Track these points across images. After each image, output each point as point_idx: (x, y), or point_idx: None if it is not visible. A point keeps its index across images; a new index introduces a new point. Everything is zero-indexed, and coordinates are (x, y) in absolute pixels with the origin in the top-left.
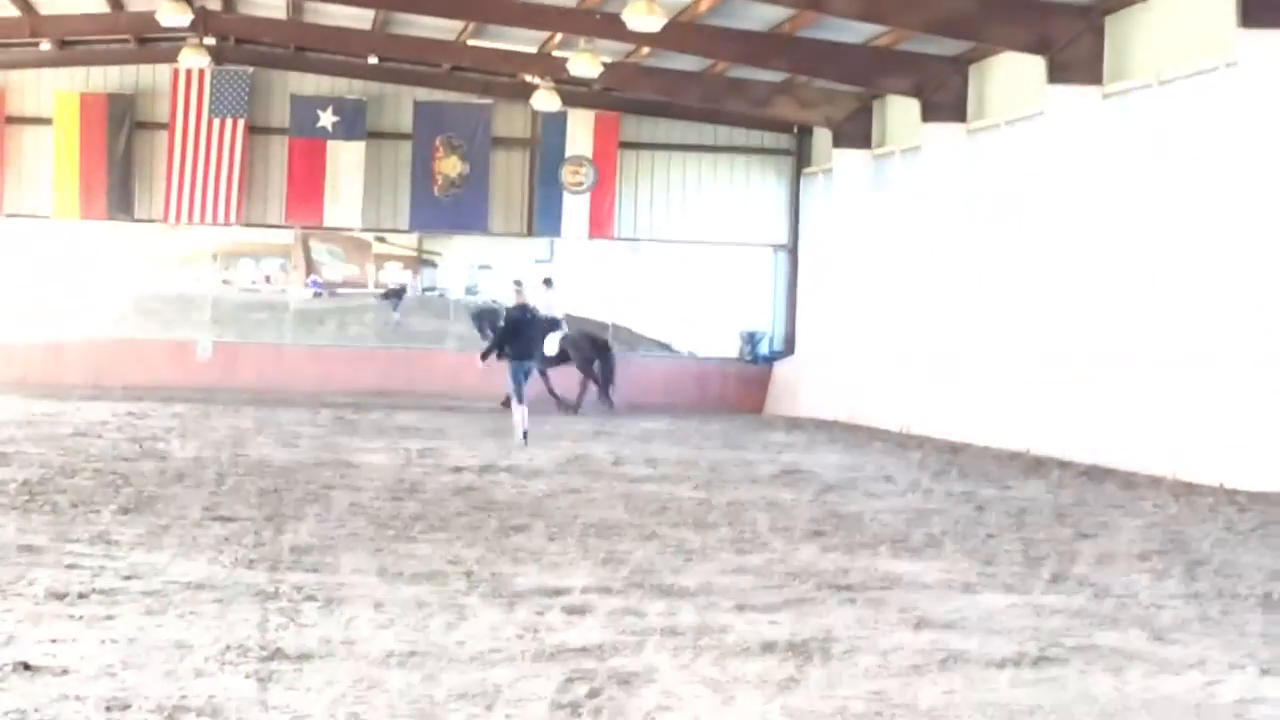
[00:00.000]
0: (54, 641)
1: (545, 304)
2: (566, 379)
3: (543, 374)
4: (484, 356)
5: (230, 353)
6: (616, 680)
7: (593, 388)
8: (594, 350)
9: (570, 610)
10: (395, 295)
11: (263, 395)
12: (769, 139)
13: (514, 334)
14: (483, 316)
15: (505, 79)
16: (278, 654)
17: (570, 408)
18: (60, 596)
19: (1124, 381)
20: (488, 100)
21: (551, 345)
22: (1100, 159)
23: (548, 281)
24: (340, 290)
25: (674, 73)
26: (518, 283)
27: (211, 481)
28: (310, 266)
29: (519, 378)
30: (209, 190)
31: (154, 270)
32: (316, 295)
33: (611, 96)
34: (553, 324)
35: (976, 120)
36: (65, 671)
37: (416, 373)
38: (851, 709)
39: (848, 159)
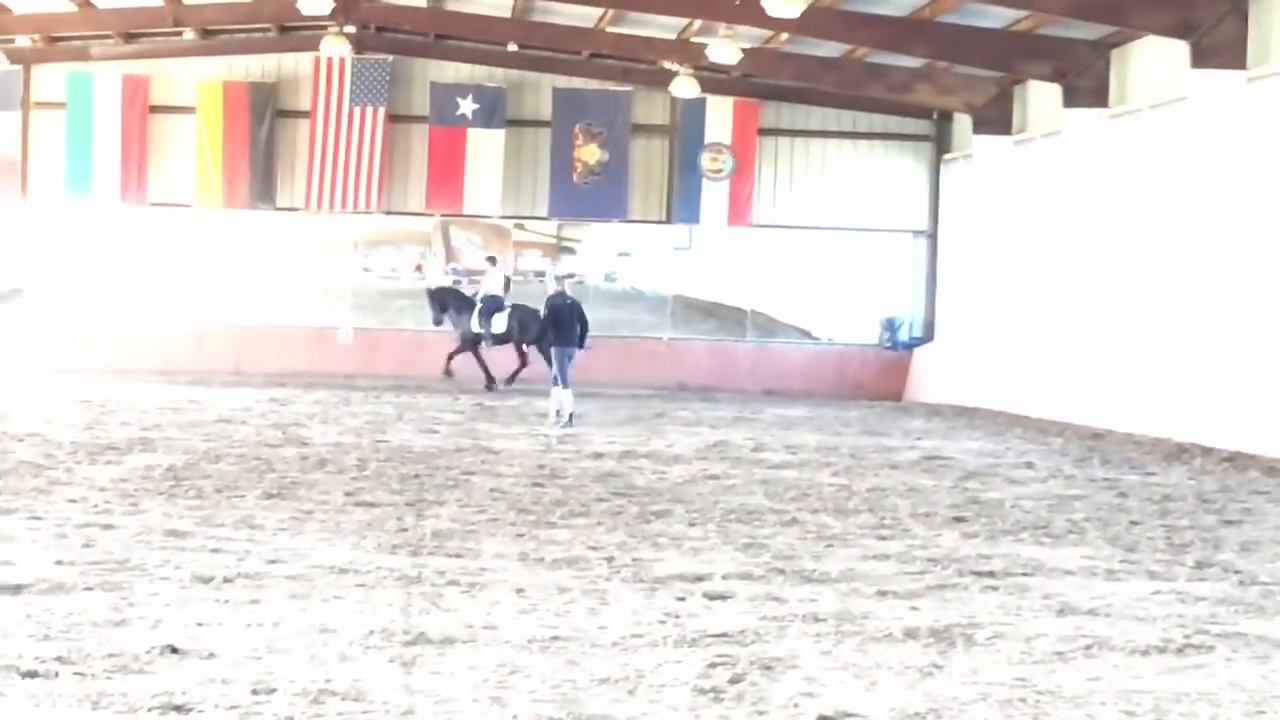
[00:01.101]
0: (200, 625)
1: (490, 284)
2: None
3: (474, 349)
4: (530, 343)
5: (371, 340)
6: (759, 666)
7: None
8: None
9: (712, 596)
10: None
11: (403, 382)
12: (908, 125)
13: (555, 322)
14: (438, 296)
15: (644, 66)
16: (421, 638)
17: (496, 383)
18: (206, 581)
19: (1269, 368)
20: (627, 87)
21: (499, 323)
22: (1244, 144)
23: (491, 260)
24: (479, 277)
25: (813, 59)
26: (559, 276)
27: (353, 467)
28: (450, 254)
29: (563, 363)
30: (350, 178)
31: (295, 258)
32: (456, 283)
33: (750, 83)
34: (497, 302)
35: (1118, 105)
36: (211, 655)
37: None
38: (995, 696)
39: (988, 144)
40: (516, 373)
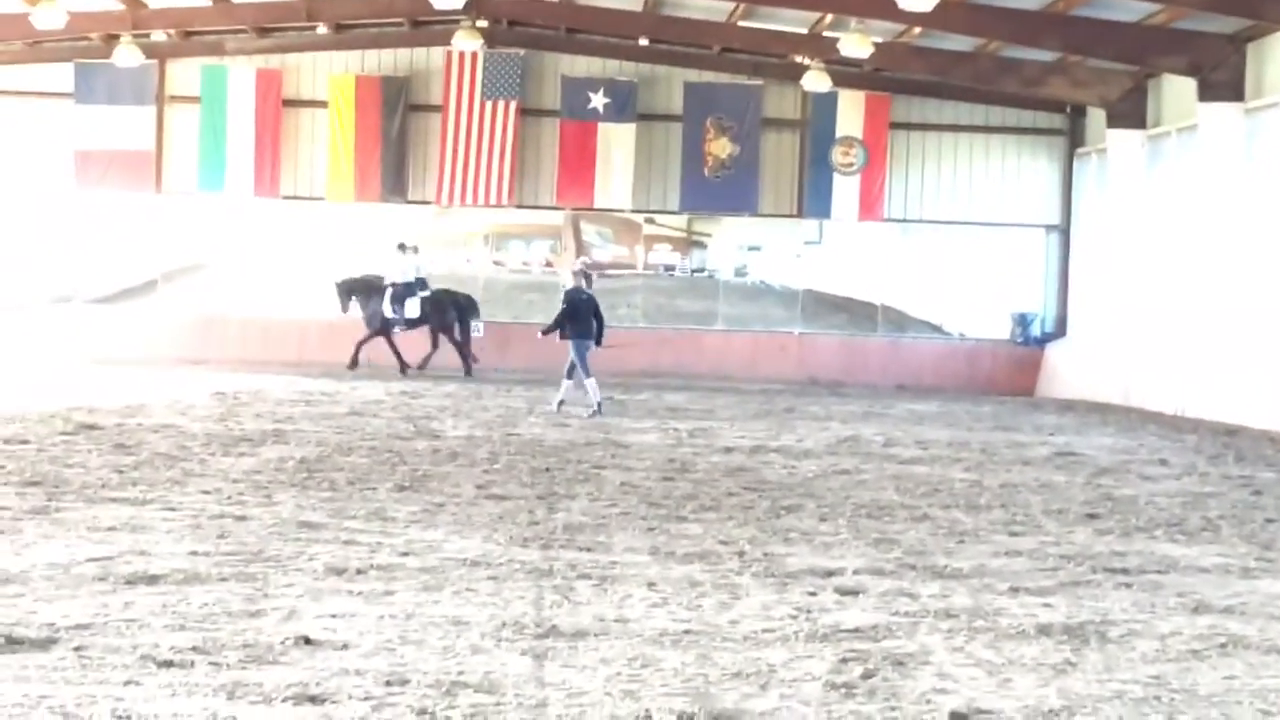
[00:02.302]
0: (334, 616)
1: (402, 269)
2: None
3: (387, 335)
4: (545, 333)
5: (501, 333)
6: (891, 662)
7: (440, 354)
8: (457, 313)
9: (843, 591)
10: (584, 278)
11: (533, 374)
12: (1041, 119)
13: (571, 314)
14: (345, 286)
15: (775, 60)
16: (553, 631)
17: (409, 369)
18: (339, 572)
19: None
20: (758, 81)
21: (413, 308)
22: None
23: (401, 247)
24: (610, 271)
25: (945, 53)
26: (576, 271)
27: (484, 460)
28: (580, 248)
29: (582, 353)
30: (481, 172)
31: (426, 252)
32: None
33: (882, 77)
34: (409, 288)
35: (1254, 99)
36: (345, 646)
37: (685, 353)
38: (1130, 694)
39: (1122, 139)
40: (428, 358)
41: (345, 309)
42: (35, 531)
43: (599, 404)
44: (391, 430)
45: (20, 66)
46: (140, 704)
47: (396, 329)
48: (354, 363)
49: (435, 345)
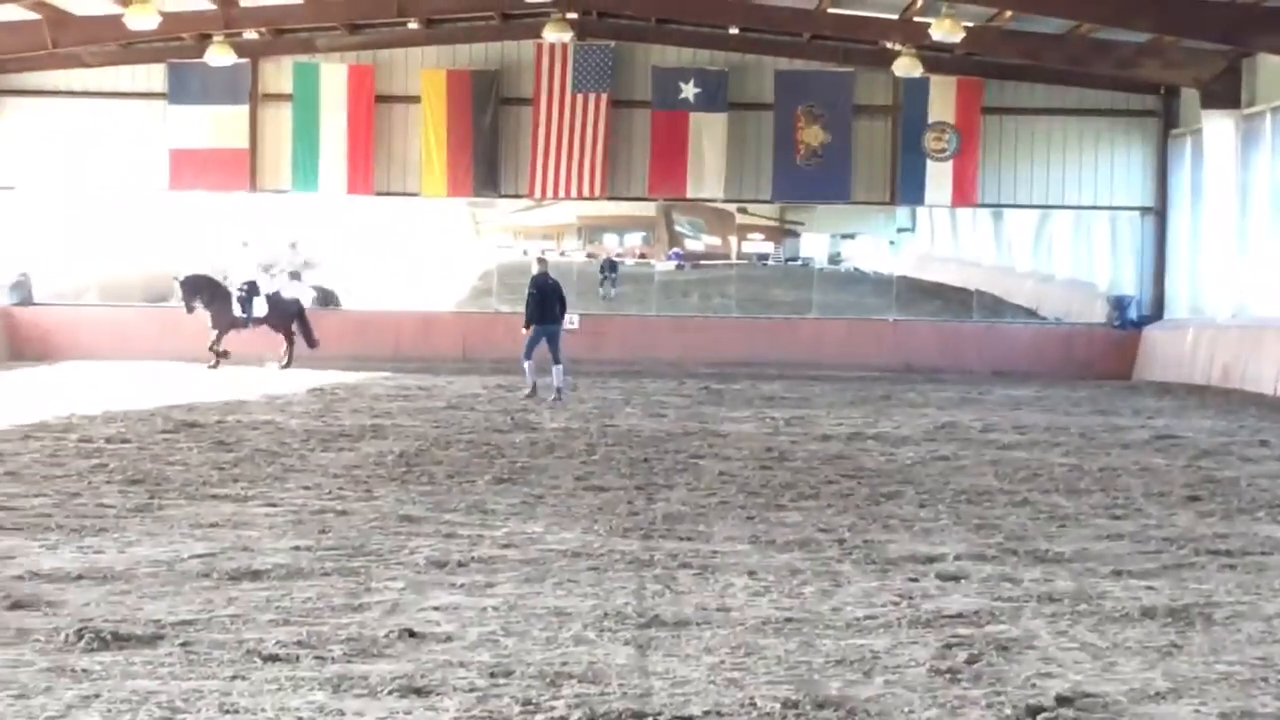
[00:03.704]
0: (436, 609)
1: (245, 270)
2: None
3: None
4: (526, 325)
5: (596, 325)
6: (995, 646)
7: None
8: (293, 309)
9: (945, 577)
10: (610, 268)
11: (629, 366)
12: (1134, 100)
13: (540, 301)
14: (190, 284)
15: (866, 46)
16: (655, 621)
17: (220, 364)
18: (440, 565)
19: None
20: (849, 68)
21: (260, 307)
22: None
23: (244, 244)
24: (703, 261)
25: (1037, 35)
26: (540, 258)
27: (582, 452)
28: (673, 238)
29: (554, 341)
30: (573, 165)
31: (518, 244)
32: (679, 267)
33: (973, 61)
34: (254, 288)
35: None
36: (449, 638)
37: (780, 342)
38: (1236, 675)
39: (1217, 120)
40: (291, 350)
41: (191, 309)
42: (139, 529)
43: (534, 385)
44: (489, 423)
45: (114, 68)
46: (246, 698)
47: (243, 328)
48: (220, 355)
49: (289, 340)
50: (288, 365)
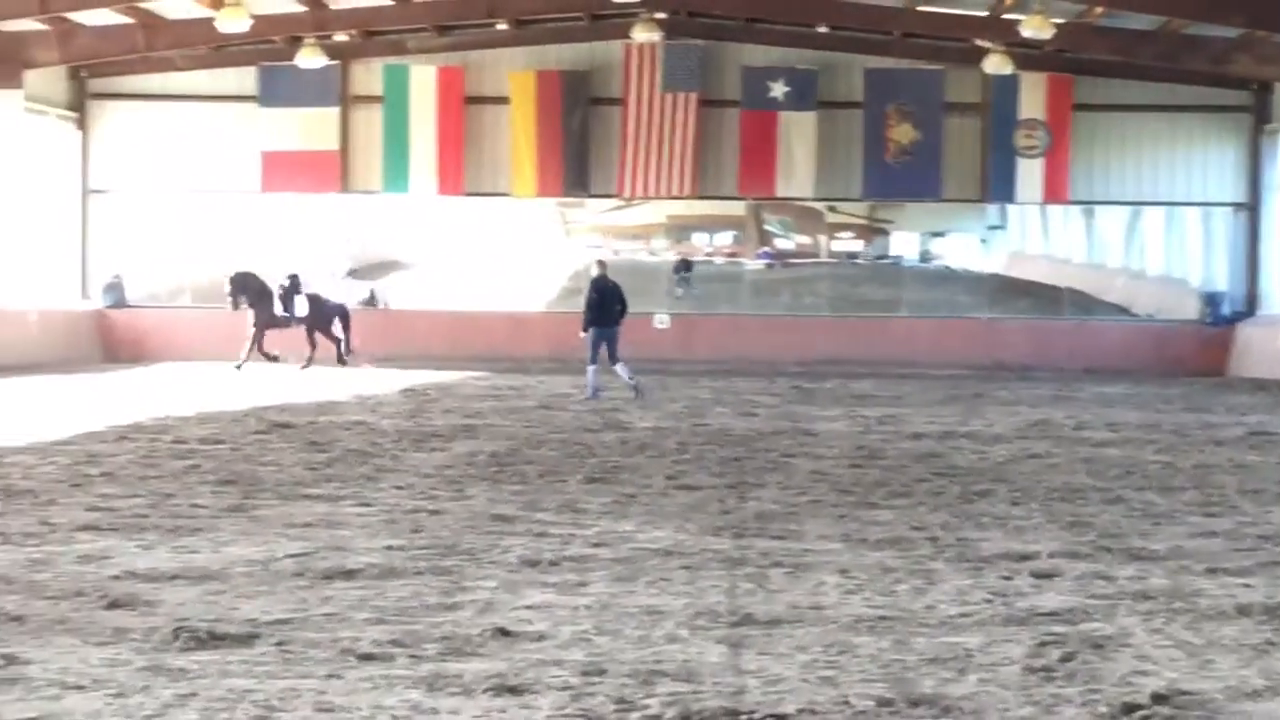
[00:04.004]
0: (529, 608)
1: (292, 268)
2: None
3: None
4: (585, 328)
5: (686, 324)
6: (1090, 644)
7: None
8: (332, 309)
9: (1038, 574)
10: (684, 268)
11: (719, 365)
12: (1226, 96)
13: (600, 303)
14: (238, 281)
15: (956, 44)
16: (748, 619)
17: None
18: (533, 564)
19: None
20: (939, 66)
21: (302, 306)
22: None
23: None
24: (793, 260)
25: (1128, 31)
26: (600, 261)
27: (673, 451)
28: (762, 237)
29: (612, 343)
30: (662, 164)
31: (608, 244)
32: (769, 266)
33: (1064, 58)
34: (297, 285)
35: None
36: (541, 637)
37: (870, 340)
38: None
39: None
40: (311, 358)
41: (236, 305)
42: (233, 529)
43: (595, 390)
44: (580, 423)
45: (206, 71)
46: (341, 697)
47: (285, 326)
48: (272, 357)
49: (313, 346)
50: (307, 366)
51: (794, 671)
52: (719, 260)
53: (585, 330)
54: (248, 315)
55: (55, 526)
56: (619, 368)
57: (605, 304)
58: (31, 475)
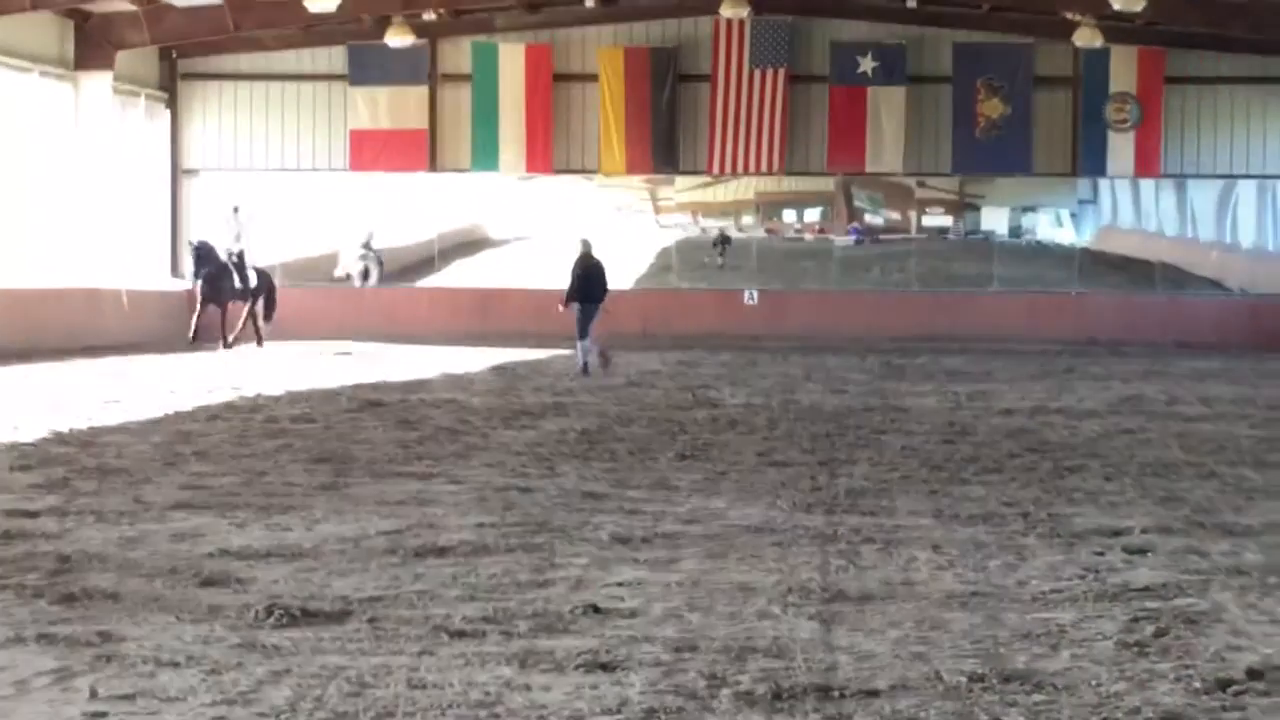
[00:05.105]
0: (621, 585)
1: (234, 234)
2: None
3: (215, 304)
4: (565, 303)
5: (775, 300)
6: (1183, 620)
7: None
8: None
9: (1131, 550)
10: (724, 241)
11: (809, 342)
12: None
13: (585, 281)
14: (201, 251)
15: (1046, 17)
16: (839, 596)
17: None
18: (624, 541)
19: None
20: (1028, 40)
21: (253, 278)
22: None
23: (235, 210)
24: (882, 236)
25: (1220, 3)
26: (585, 239)
27: (764, 428)
28: (851, 213)
29: (591, 318)
30: (751, 140)
31: (695, 220)
32: (857, 242)
33: (1155, 30)
34: (243, 258)
35: None
36: (633, 614)
37: (961, 316)
38: None
39: None
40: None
41: (198, 275)
42: (326, 507)
43: (584, 364)
44: (670, 400)
45: (295, 50)
46: (434, 673)
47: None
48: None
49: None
50: (233, 344)
51: (885, 647)
52: (808, 236)
53: (565, 305)
54: (198, 287)
55: (149, 505)
56: (584, 342)
57: (590, 282)
58: (126, 454)
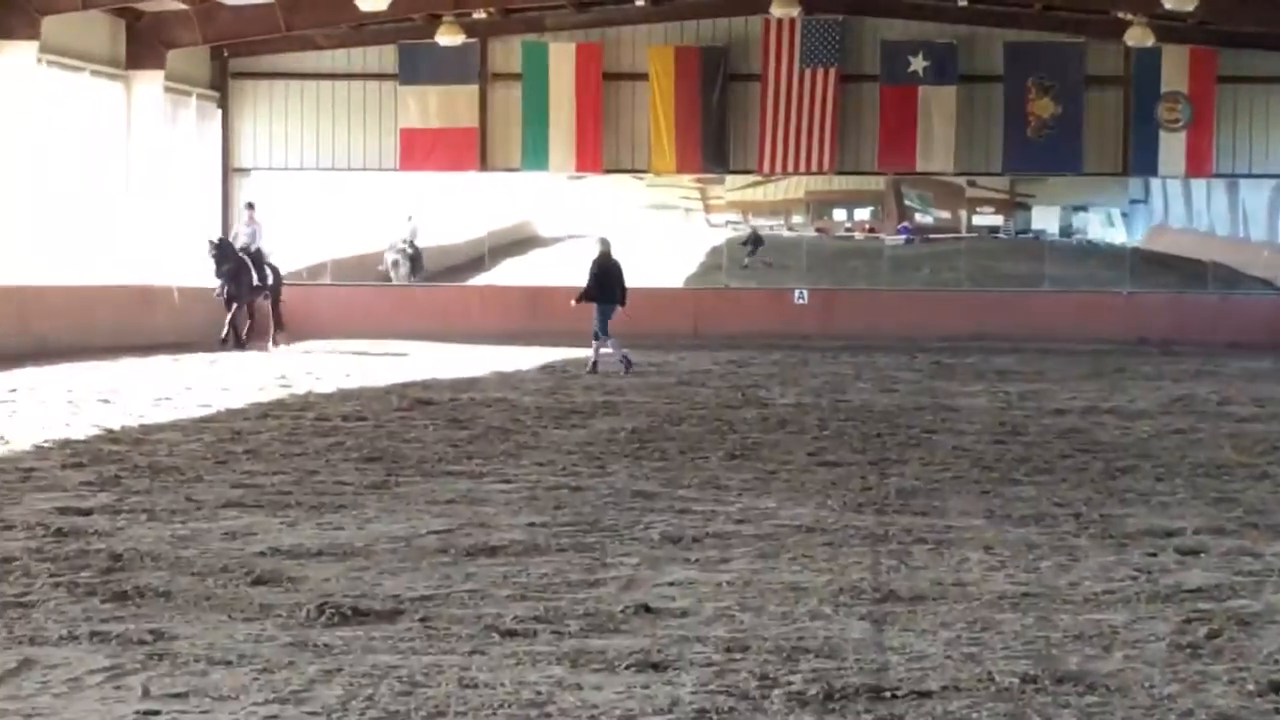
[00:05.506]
0: (672, 584)
1: (251, 231)
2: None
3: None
4: (578, 300)
5: (825, 300)
6: (1236, 621)
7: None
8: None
9: (1184, 551)
10: (754, 241)
11: (858, 341)
12: None
13: (603, 280)
14: (221, 248)
15: (1097, 16)
16: (890, 596)
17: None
18: (675, 541)
19: None
20: (1079, 39)
21: (269, 275)
22: None
23: (251, 206)
24: (932, 235)
25: (1272, 2)
26: (603, 238)
27: (814, 427)
28: (902, 212)
29: (607, 317)
30: (802, 139)
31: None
32: (908, 241)
33: (1207, 30)
34: (260, 254)
35: None
36: (684, 614)
37: (1012, 316)
38: None
39: None
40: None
41: (219, 273)
42: (377, 506)
43: (625, 357)
44: (720, 399)
45: (346, 49)
46: (485, 673)
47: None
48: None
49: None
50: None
51: (937, 648)
52: (859, 235)
53: (578, 301)
54: (221, 286)
55: (201, 503)
56: (610, 343)
57: (607, 281)
58: (177, 452)
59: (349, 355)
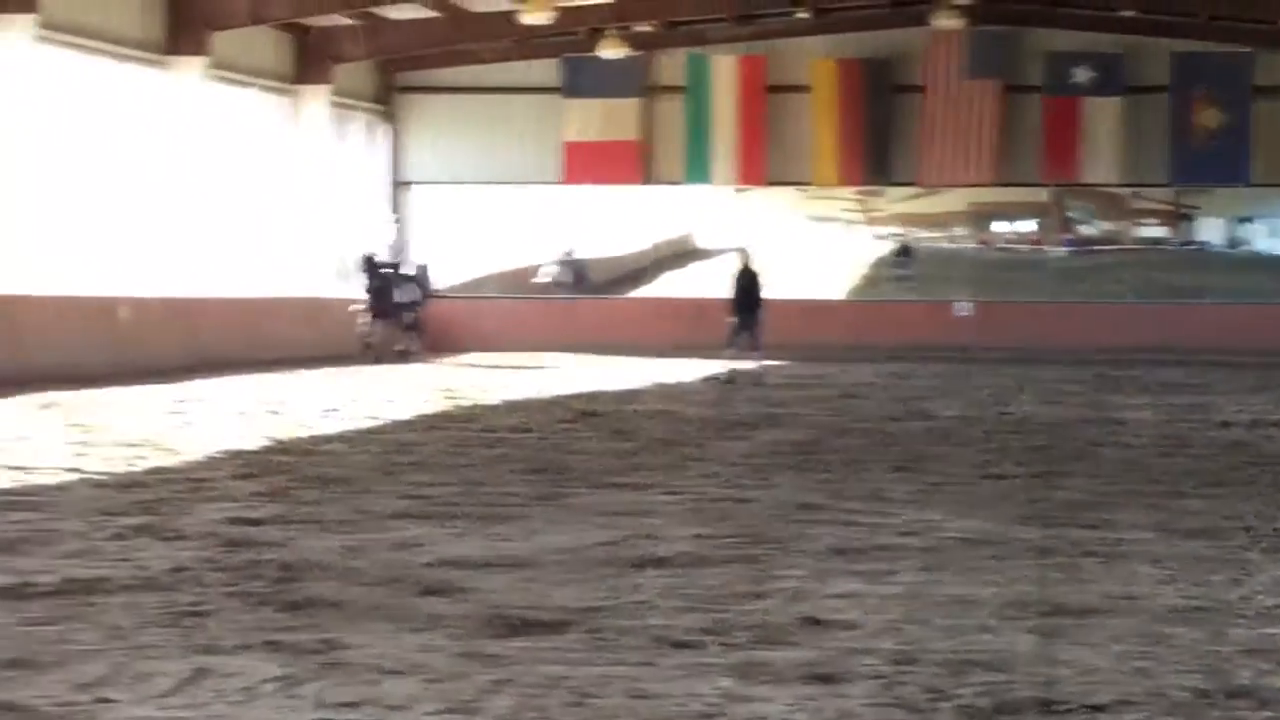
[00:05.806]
0: (838, 597)
1: (390, 245)
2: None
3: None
4: (732, 313)
5: (988, 311)
6: None
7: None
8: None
9: None
10: (904, 254)
11: (1022, 353)
12: None
13: (746, 293)
14: (370, 264)
15: (1266, 26)
16: (1059, 609)
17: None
18: (841, 553)
19: None
20: (1247, 49)
21: (412, 292)
22: None
23: (398, 220)
24: (1096, 247)
25: None
26: (744, 251)
27: (979, 440)
28: (1065, 224)
29: (752, 328)
30: (963, 151)
31: (904, 231)
32: (1072, 253)
33: None
34: (399, 268)
35: None
36: (852, 626)
37: (1178, 328)
38: None
39: None
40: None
41: (369, 291)
42: (543, 517)
43: (735, 372)
44: (883, 412)
45: (509, 63)
46: (655, 684)
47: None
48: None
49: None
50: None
51: (1107, 662)
52: (1025, 247)
53: (733, 315)
54: (364, 301)
55: (369, 514)
56: (730, 351)
57: (747, 293)
58: (344, 464)
59: (512, 368)
